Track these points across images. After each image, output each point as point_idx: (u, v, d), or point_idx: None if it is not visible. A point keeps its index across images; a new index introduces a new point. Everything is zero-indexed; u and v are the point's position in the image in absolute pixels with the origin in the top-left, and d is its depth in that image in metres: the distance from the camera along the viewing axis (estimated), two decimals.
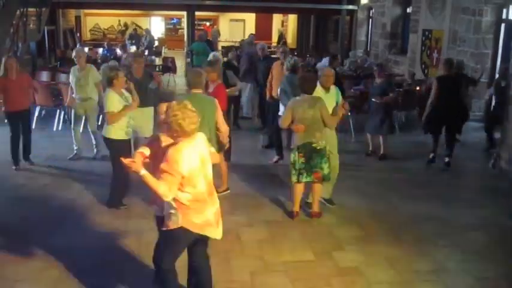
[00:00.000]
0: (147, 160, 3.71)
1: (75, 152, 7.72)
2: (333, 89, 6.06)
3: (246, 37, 16.15)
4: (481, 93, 10.95)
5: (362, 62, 14.45)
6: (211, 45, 14.38)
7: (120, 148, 5.55)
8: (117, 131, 5.69)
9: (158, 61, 16.83)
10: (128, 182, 5.84)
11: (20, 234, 5.21)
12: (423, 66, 13.33)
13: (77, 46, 15.12)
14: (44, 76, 11.66)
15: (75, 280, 4.35)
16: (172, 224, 3.51)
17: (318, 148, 5.52)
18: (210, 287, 3.93)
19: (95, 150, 7.74)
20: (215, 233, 3.68)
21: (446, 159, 7.78)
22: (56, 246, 4.91)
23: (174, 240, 3.57)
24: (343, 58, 15.30)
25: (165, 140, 3.66)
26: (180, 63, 17.65)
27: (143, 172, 3.36)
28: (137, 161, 3.47)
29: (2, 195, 6.30)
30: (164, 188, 3.32)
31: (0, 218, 5.62)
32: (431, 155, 7.95)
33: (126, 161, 3.41)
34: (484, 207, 6.33)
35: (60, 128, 9.45)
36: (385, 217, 5.90)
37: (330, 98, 5.88)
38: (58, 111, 9.57)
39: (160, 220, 3.80)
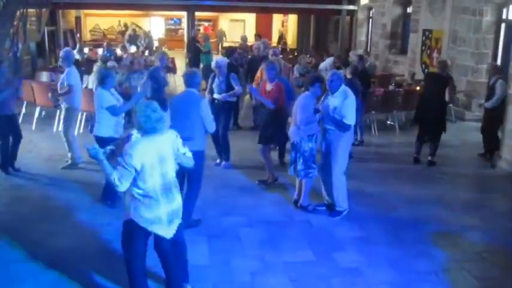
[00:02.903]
0: None
1: (69, 160, 7.39)
2: (339, 93, 5.68)
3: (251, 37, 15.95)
4: (480, 93, 10.96)
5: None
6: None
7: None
8: (107, 129, 5.87)
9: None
10: None
11: (20, 234, 5.19)
12: (423, 66, 13.33)
13: (77, 46, 15.15)
14: (44, 77, 11.65)
15: (75, 280, 4.34)
16: (126, 216, 3.75)
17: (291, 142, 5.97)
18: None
19: (69, 154, 7.36)
20: (164, 231, 3.77)
21: (429, 158, 7.94)
22: (56, 246, 4.91)
23: (127, 231, 3.80)
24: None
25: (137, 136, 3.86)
26: (180, 64, 17.64)
27: (102, 158, 3.57)
28: (99, 149, 3.61)
29: (2, 195, 6.29)
30: (115, 177, 3.52)
31: (0, 217, 5.62)
32: (415, 155, 8.06)
33: (89, 147, 3.60)
34: (484, 207, 6.32)
35: (60, 128, 9.44)
36: (385, 217, 5.89)
37: (332, 101, 5.71)
38: (58, 112, 9.56)
39: None
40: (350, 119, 5.63)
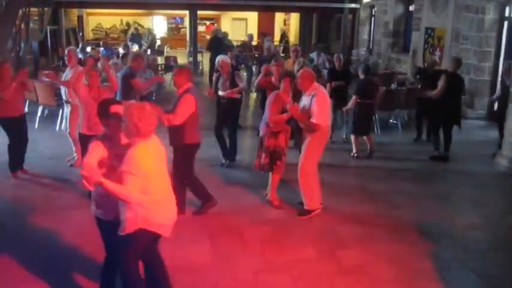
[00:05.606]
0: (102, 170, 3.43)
1: (74, 156, 7.46)
2: (309, 91, 5.56)
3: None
4: (483, 91, 10.95)
5: (365, 61, 14.46)
6: None
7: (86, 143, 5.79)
8: (81, 126, 6.00)
9: (160, 60, 16.85)
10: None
11: (21, 234, 5.21)
12: (426, 64, 13.28)
13: (79, 45, 15.16)
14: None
15: (76, 280, 4.35)
16: (131, 227, 3.39)
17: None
18: (167, 282, 3.88)
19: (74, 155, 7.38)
20: (168, 231, 3.60)
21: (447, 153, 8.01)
22: (57, 247, 4.92)
23: (133, 243, 3.46)
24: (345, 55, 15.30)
25: (124, 141, 3.55)
26: (183, 63, 17.65)
27: (103, 180, 3.18)
28: (95, 172, 3.25)
29: (4, 195, 6.30)
30: (128, 190, 3.20)
31: (0, 218, 5.63)
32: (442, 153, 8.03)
33: (85, 173, 3.17)
34: (487, 205, 6.32)
35: (63, 127, 9.45)
36: (388, 216, 5.89)
37: (303, 99, 5.65)
38: (61, 110, 9.58)
39: (102, 223, 3.78)
40: (317, 118, 5.44)
